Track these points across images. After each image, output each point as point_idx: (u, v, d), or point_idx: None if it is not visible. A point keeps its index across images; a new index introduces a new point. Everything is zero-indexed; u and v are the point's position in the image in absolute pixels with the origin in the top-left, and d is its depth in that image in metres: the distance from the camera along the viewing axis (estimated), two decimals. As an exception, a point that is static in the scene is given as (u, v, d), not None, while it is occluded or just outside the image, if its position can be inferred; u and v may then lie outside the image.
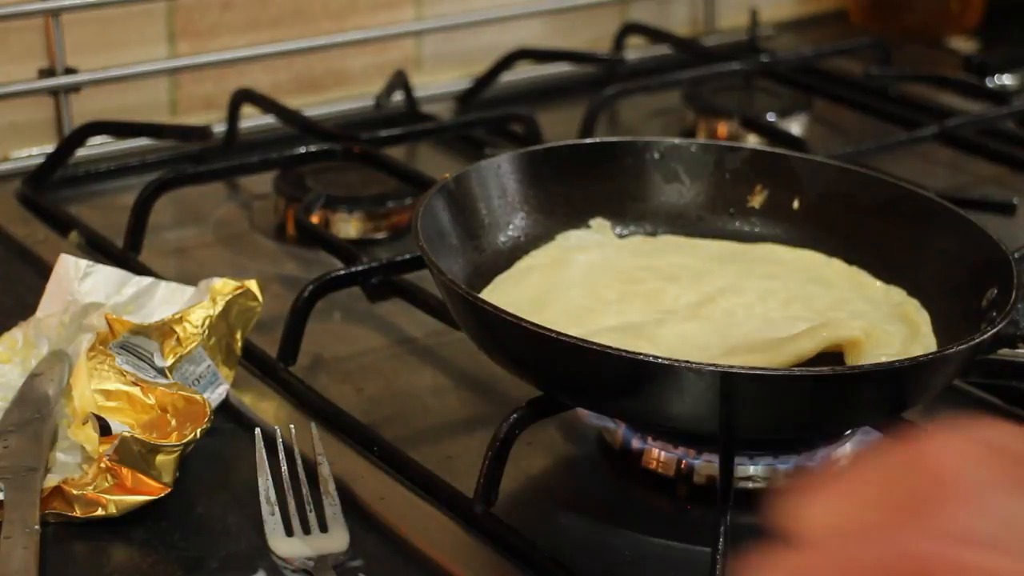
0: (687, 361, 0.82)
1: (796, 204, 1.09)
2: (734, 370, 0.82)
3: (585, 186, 1.09)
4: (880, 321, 0.97)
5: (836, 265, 1.05)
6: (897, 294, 1.02)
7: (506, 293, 1.00)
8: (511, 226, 1.06)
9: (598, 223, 1.08)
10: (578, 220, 1.08)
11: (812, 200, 1.09)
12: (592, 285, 1.01)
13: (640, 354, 0.82)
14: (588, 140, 1.11)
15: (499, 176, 1.05)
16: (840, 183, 1.08)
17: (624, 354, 0.82)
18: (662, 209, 1.10)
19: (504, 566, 0.86)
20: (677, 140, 1.11)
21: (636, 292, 1.00)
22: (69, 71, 1.37)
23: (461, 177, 1.03)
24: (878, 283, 1.03)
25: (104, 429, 0.87)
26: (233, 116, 1.41)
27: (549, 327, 0.84)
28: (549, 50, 1.61)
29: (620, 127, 1.54)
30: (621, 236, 1.08)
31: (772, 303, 1.00)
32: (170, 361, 0.94)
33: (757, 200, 1.10)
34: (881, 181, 1.08)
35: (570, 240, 1.07)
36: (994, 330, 0.88)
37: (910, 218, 1.05)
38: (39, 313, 1.00)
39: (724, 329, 0.95)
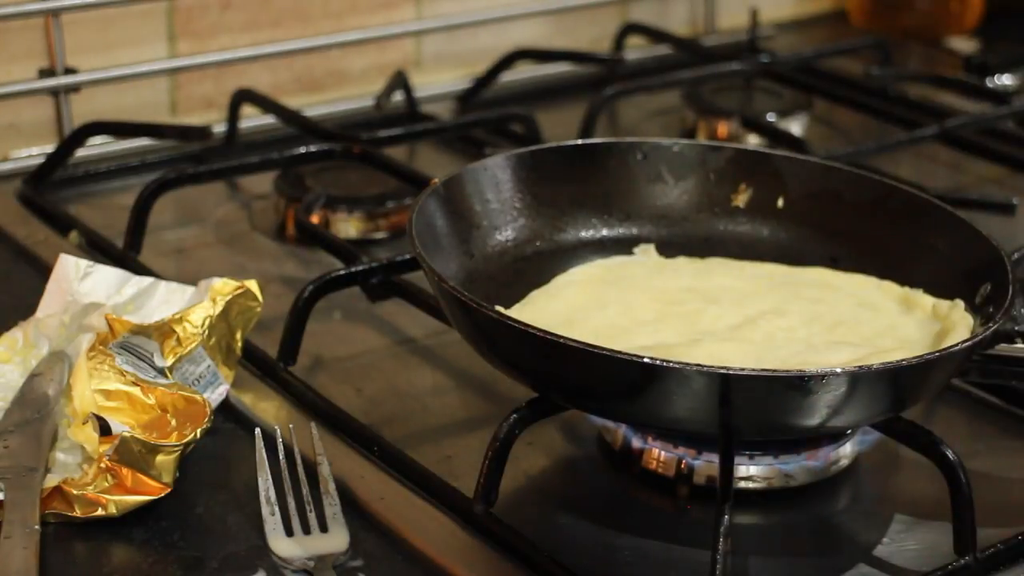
0: (677, 361, 0.81)
1: (780, 202, 1.09)
2: (731, 372, 0.82)
3: (571, 188, 1.09)
4: (927, 348, 0.95)
5: (889, 288, 1.02)
6: (956, 311, 0.97)
7: (539, 308, 0.99)
8: (499, 230, 1.05)
9: (642, 248, 1.07)
10: (563, 222, 1.08)
11: (797, 198, 1.09)
12: (630, 304, 0.99)
13: (624, 353, 0.82)
14: (572, 142, 1.11)
15: (487, 180, 1.05)
16: (825, 181, 1.08)
17: (613, 355, 0.82)
18: (647, 209, 1.10)
19: (504, 566, 0.86)
20: (660, 140, 1.11)
21: (675, 312, 0.99)
22: (69, 71, 1.37)
23: (450, 182, 1.03)
24: (932, 303, 0.99)
25: (104, 429, 0.87)
26: (233, 116, 1.41)
27: (540, 327, 0.84)
28: (549, 50, 1.61)
29: (620, 127, 1.54)
30: (666, 256, 1.07)
31: (816, 327, 0.97)
32: (170, 361, 0.94)
33: (741, 199, 1.10)
34: (866, 178, 1.08)
35: (613, 261, 1.06)
36: (993, 328, 0.88)
37: (897, 215, 1.05)
38: (39, 313, 1.00)
39: (761, 352, 0.94)
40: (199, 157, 1.38)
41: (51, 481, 0.88)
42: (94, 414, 0.87)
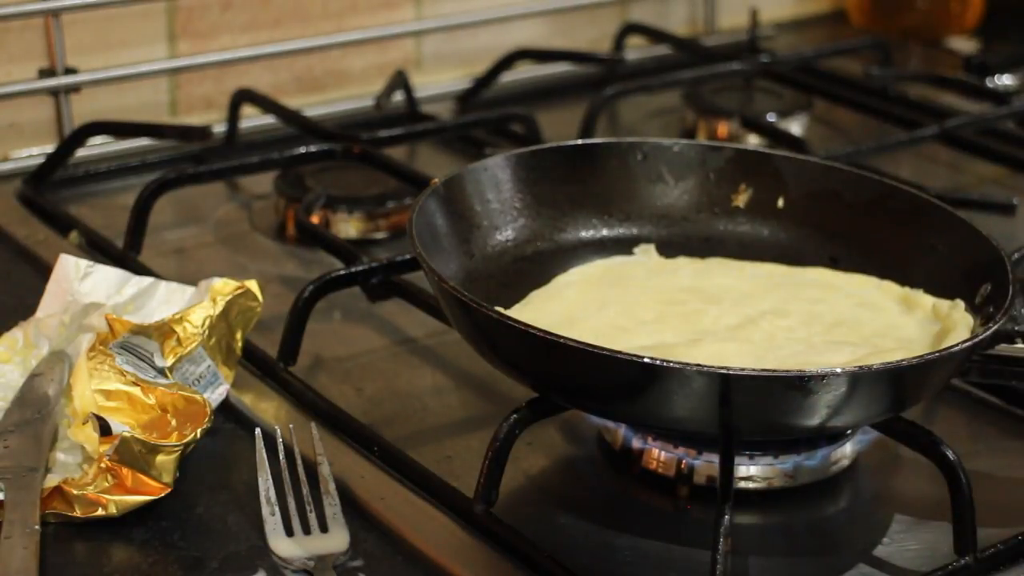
0: (677, 361, 0.82)
1: (781, 203, 1.09)
2: (731, 372, 0.82)
3: (571, 188, 1.09)
4: (927, 348, 0.95)
5: (889, 288, 1.02)
6: (956, 311, 0.97)
7: (539, 308, 0.99)
8: (499, 230, 1.05)
9: (642, 248, 1.07)
10: (563, 222, 1.08)
11: (797, 198, 1.09)
12: (630, 304, 1.00)
13: (624, 353, 0.82)
14: (572, 142, 1.11)
15: (488, 180, 1.05)
16: (825, 181, 1.08)
17: (613, 355, 0.82)
18: (647, 209, 1.10)
19: (504, 566, 0.86)
20: (660, 140, 1.11)
21: (675, 313, 0.99)
22: (69, 71, 1.37)
23: (450, 182, 1.03)
24: (932, 303, 0.99)
25: (104, 429, 0.87)
26: (233, 116, 1.41)
27: (540, 327, 0.84)
28: (549, 50, 1.61)
29: (620, 127, 1.54)
30: (666, 256, 1.08)
31: (816, 327, 0.98)
32: (170, 361, 0.94)
33: (741, 199, 1.10)
34: (866, 178, 1.08)
35: (613, 261, 1.06)
36: (993, 328, 0.88)
37: (897, 214, 1.05)
38: (39, 313, 1.00)
39: (761, 352, 0.94)
40: (199, 157, 1.38)
41: (51, 481, 0.88)
42: (94, 414, 0.87)
